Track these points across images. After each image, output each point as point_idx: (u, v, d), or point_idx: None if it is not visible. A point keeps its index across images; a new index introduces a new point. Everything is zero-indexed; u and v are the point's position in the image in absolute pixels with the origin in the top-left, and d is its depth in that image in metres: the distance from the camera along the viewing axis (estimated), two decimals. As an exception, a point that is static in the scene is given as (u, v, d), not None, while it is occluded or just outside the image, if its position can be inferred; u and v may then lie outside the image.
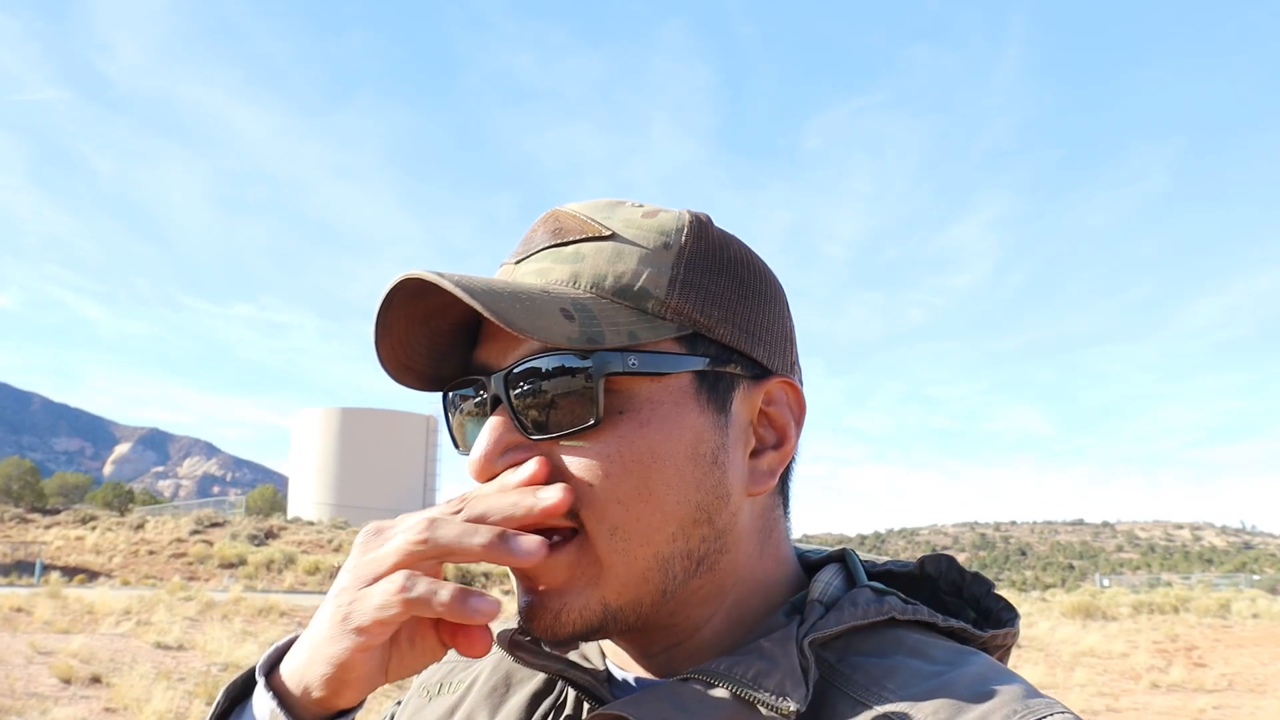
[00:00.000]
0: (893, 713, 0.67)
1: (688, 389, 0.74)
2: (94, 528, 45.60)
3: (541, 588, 0.73)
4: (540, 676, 0.86)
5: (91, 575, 33.85)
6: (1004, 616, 0.81)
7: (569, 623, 0.73)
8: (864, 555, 0.87)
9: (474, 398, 0.78)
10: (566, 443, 0.72)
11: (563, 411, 0.72)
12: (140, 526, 45.70)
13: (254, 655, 12.76)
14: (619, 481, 0.71)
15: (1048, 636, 19.61)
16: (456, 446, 0.81)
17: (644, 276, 0.74)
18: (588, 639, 0.75)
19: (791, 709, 0.67)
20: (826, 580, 0.78)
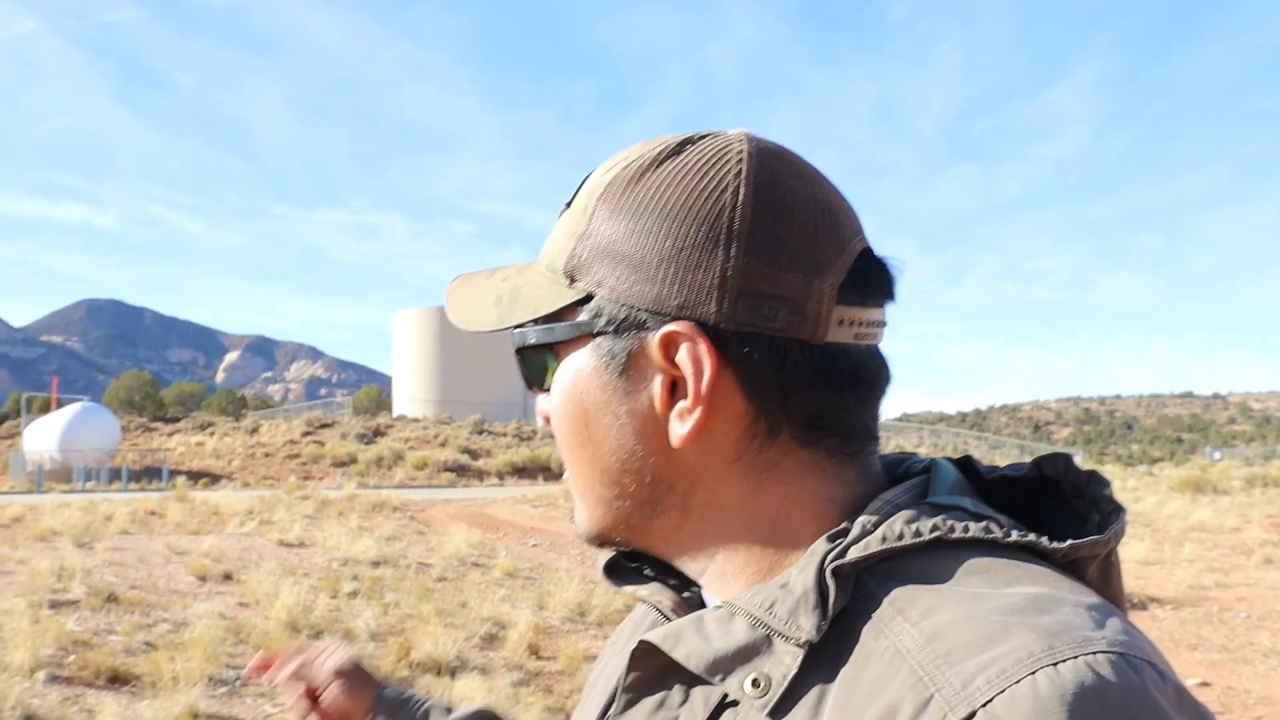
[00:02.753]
0: (902, 647, 0.61)
1: (588, 352, 0.76)
2: (212, 433, 47.57)
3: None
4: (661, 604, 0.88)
5: (214, 478, 35.42)
6: (1111, 519, 0.72)
7: (581, 532, 0.83)
8: (985, 461, 0.81)
9: None
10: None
11: (525, 373, 0.84)
12: (255, 430, 47.50)
13: (371, 550, 13.36)
14: (557, 434, 0.81)
15: (1155, 512, 19.35)
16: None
17: (559, 244, 0.79)
18: (595, 547, 0.84)
19: (802, 639, 0.65)
20: (887, 499, 0.73)
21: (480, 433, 46.16)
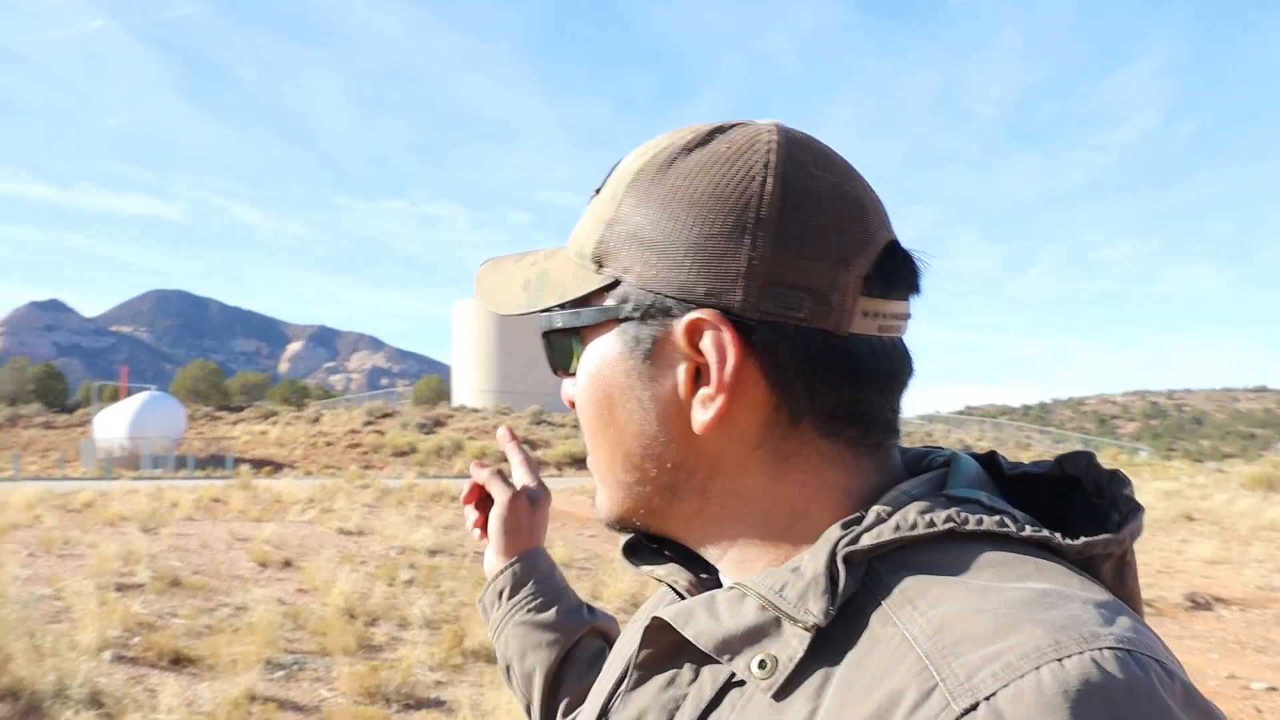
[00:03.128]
0: (910, 635, 0.62)
1: (612, 338, 0.78)
2: (275, 422, 48.37)
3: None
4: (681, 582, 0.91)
5: (276, 467, 36.06)
6: (1128, 519, 0.72)
7: (603, 516, 0.85)
8: (1010, 458, 0.82)
9: None
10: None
11: (550, 357, 0.85)
12: (317, 420, 48.19)
13: (428, 539, 13.55)
14: (581, 418, 0.83)
15: (1224, 510, 18.91)
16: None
17: (588, 230, 0.79)
18: (614, 529, 0.86)
19: (810, 622, 0.66)
20: (904, 489, 0.73)
21: (539, 423, 46.41)
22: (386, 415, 48.76)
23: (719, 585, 0.84)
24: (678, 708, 0.75)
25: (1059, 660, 0.54)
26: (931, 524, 0.68)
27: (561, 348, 0.83)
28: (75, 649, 6.93)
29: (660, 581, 0.90)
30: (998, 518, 0.69)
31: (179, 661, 7.01)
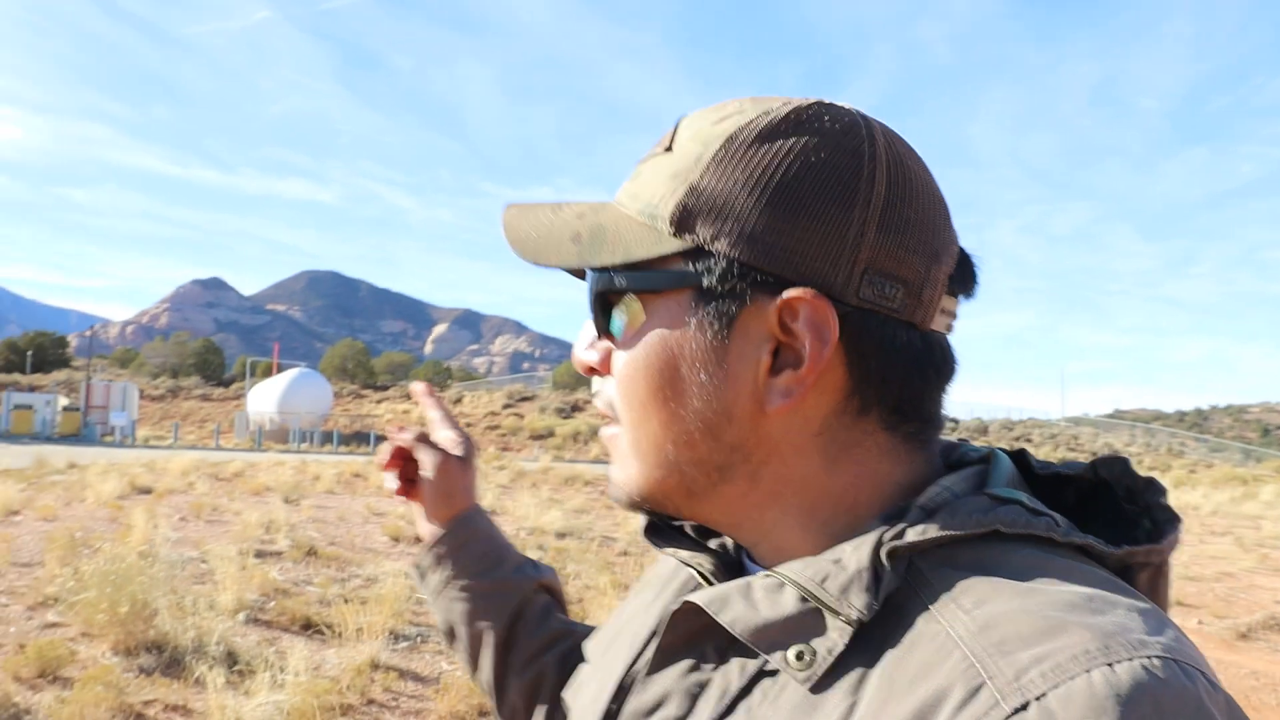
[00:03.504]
0: (954, 633, 0.61)
1: (684, 305, 0.74)
2: (417, 402, 49.69)
3: (609, 459, 0.83)
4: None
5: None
6: (1165, 529, 0.72)
7: (621, 494, 0.81)
8: (1039, 456, 0.81)
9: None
10: (612, 344, 0.80)
11: (597, 316, 0.80)
12: (458, 401, 49.42)
13: (558, 521, 13.76)
14: (627, 388, 0.77)
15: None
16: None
17: (660, 193, 0.75)
18: (635, 512, 0.83)
19: (853, 616, 0.65)
20: (946, 485, 0.73)
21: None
22: (526, 399, 49.67)
23: (742, 569, 0.83)
24: (701, 693, 0.74)
25: (1109, 665, 0.54)
26: (978, 524, 0.68)
27: (609, 311, 0.78)
28: (214, 609, 7.28)
29: (686, 565, 0.86)
30: (1043, 520, 0.68)
31: (309, 627, 7.28)
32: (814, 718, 0.65)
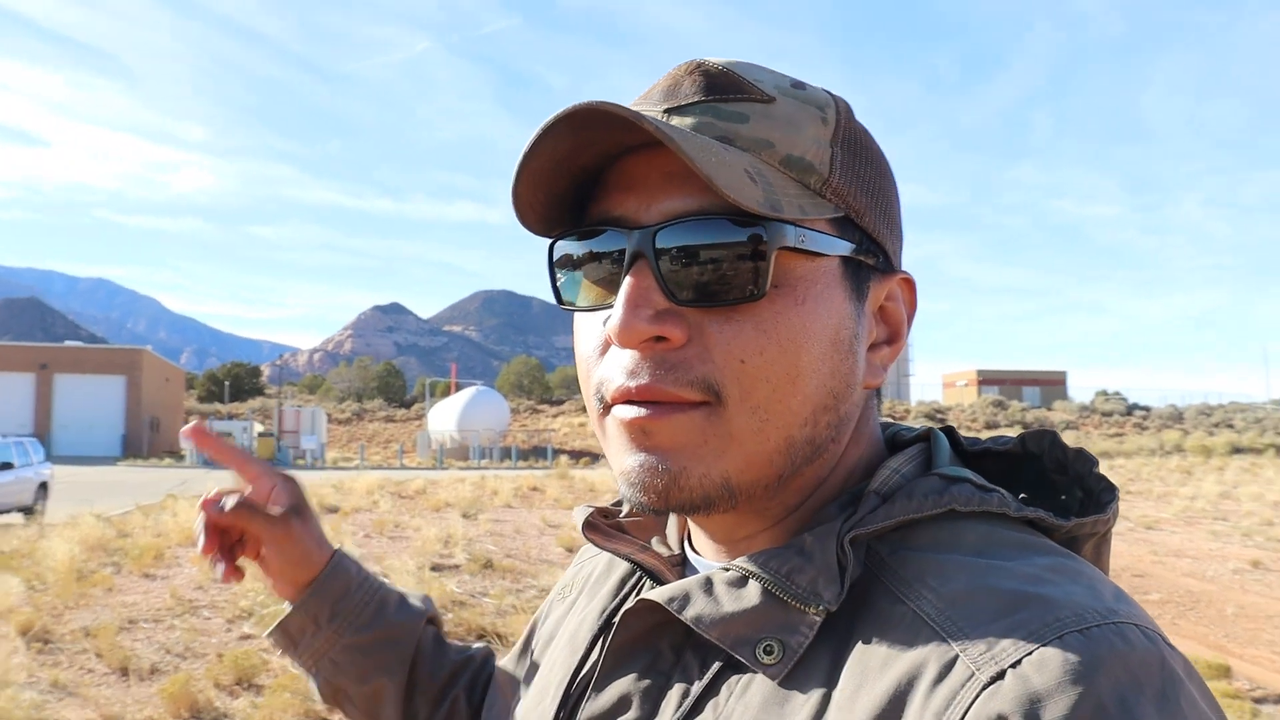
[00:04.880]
0: (922, 611, 0.63)
1: (836, 272, 0.72)
2: (559, 414, 50.50)
3: (660, 444, 0.69)
4: (626, 565, 0.89)
5: (594, 458, 37.76)
6: (1103, 499, 0.75)
7: (686, 488, 0.69)
8: (965, 435, 0.84)
9: (601, 250, 0.73)
10: (719, 313, 0.69)
11: (722, 279, 0.68)
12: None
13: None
14: (772, 359, 0.68)
15: None
16: (559, 300, 0.77)
17: (809, 150, 0.71)
18: (699, 511, 0.71)
19: (820, 609, 0.66)
20: (895, 467, 0.75)
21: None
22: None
23: (687, 566, 0.83)
24: (662, 693, 0.73)
25: (1079, 631, 0.57)
26: (934, 504, 0.70)
27: (753, 270, 0.68)
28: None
29: (631, 562, 0.84)
30: (994, 496, 0.71)
31: (484, 638, 7.52)
32: (786, 711, 0.65)
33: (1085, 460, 0.78)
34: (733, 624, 0.68)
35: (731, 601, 0.69)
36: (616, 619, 0.77)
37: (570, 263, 0.76)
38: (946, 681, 0.58)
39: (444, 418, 50.88)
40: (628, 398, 0.70)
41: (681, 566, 0.83)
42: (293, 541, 1.03)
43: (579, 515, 0.88)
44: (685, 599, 0.70)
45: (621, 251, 0.71)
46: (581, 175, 0.74)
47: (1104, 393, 79.03)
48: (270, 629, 1.09)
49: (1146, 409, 73.09)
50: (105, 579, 9.18)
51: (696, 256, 0.68)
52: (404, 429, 62.54)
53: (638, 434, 0.70)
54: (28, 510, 20.18)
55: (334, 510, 16.00)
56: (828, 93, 0.76)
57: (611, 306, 0.71)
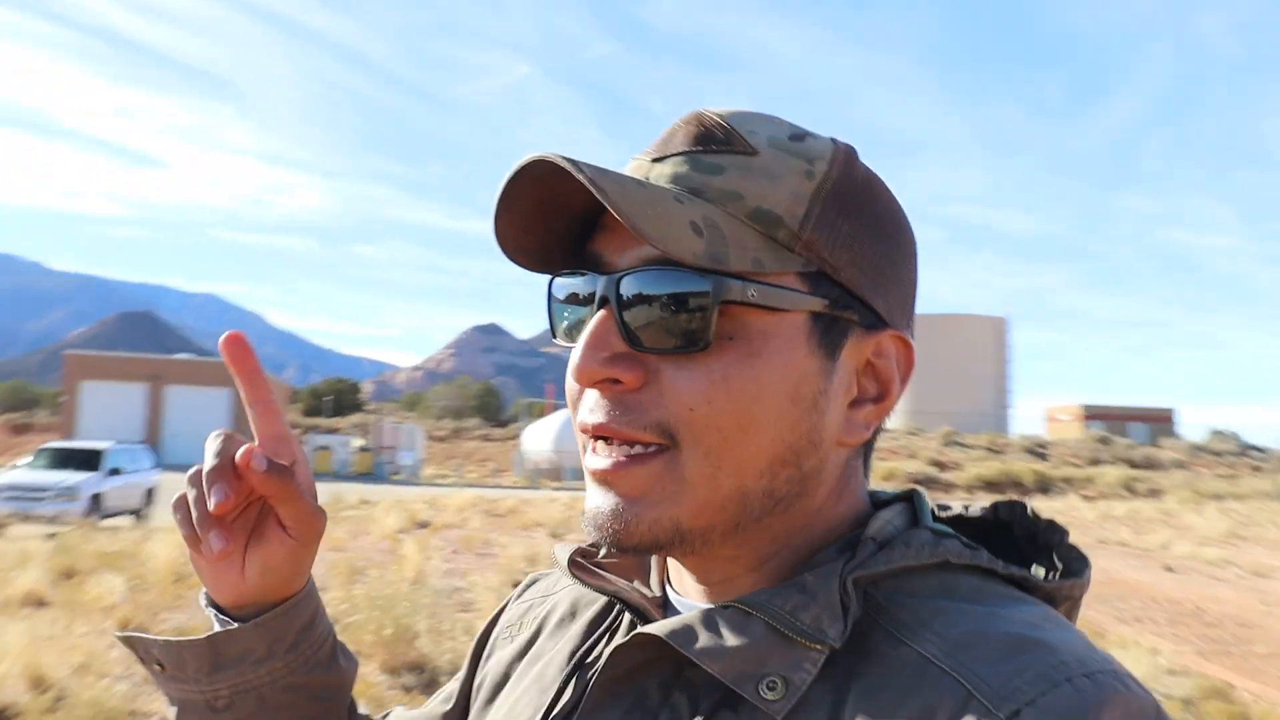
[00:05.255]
0: (927, 653, 0.65)
1: (801, 328, 0.72)
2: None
3: (618, 493, 0.73)
4: (600, 602, 0.90)
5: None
6: (1075, 567, 0.78)
7: (637, 533, 0.72)
8: (931, 502, 0.85)
9: (580, 290, 0.77)
10: (672, 359, 0.71)
11: (672, 328, 0.70)
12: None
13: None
14: (721, 408, 0.70)
15: None
16: (554, 334, 0.81)
17: (780, 203, 0.71)
18: (649, 553, 0.75)
19: (826, 644, 0.68)
20: (886, 519, 0.77)
21: (950, 444, 45.21)
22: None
23: (667, 603, 0.84)
24: None
25: (1085, 676, 0.61)
26: (930, 554, 0.73)
27: (700, 320, 0.70)
28: (470, 634, 7.77)
29: (619, 600, 0.84)
30: (982, 554, 0.75)
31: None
32: None
33: (1056, 531, 0.81)
34: (735, 659, 0.69)
35: (734, 636, 0.70)
36: (603, 655, 0.78)
37: (561, 300, 0.79)
38: (965, 717, 0.61)
39: (539, 438, 51.20)
40: (587, 433, 0.74)
41: (664, 608, 0.83)
42: (308, 542, 0.88)
43: (562, 553, 0.89)
44: (687, 633, 0.71)
45: (594, 289, 0.74)
46: (582, 214, 0.77)
47: (1219, 432, 76.30)
48: (170, 640, 0.89)
49: (1262, 449, 70.36)
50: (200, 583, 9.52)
51: (652, 304, 0.70)
52: (501, 448, 63.20)
53: (601, 483, 0.74)
54: (135, 513, 21.00)
55: (425, 525, 16.34)
56: (833, 144, 0.76)
57: None
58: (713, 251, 0.69)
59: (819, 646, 0.68)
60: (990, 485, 35.07)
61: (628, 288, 0.71)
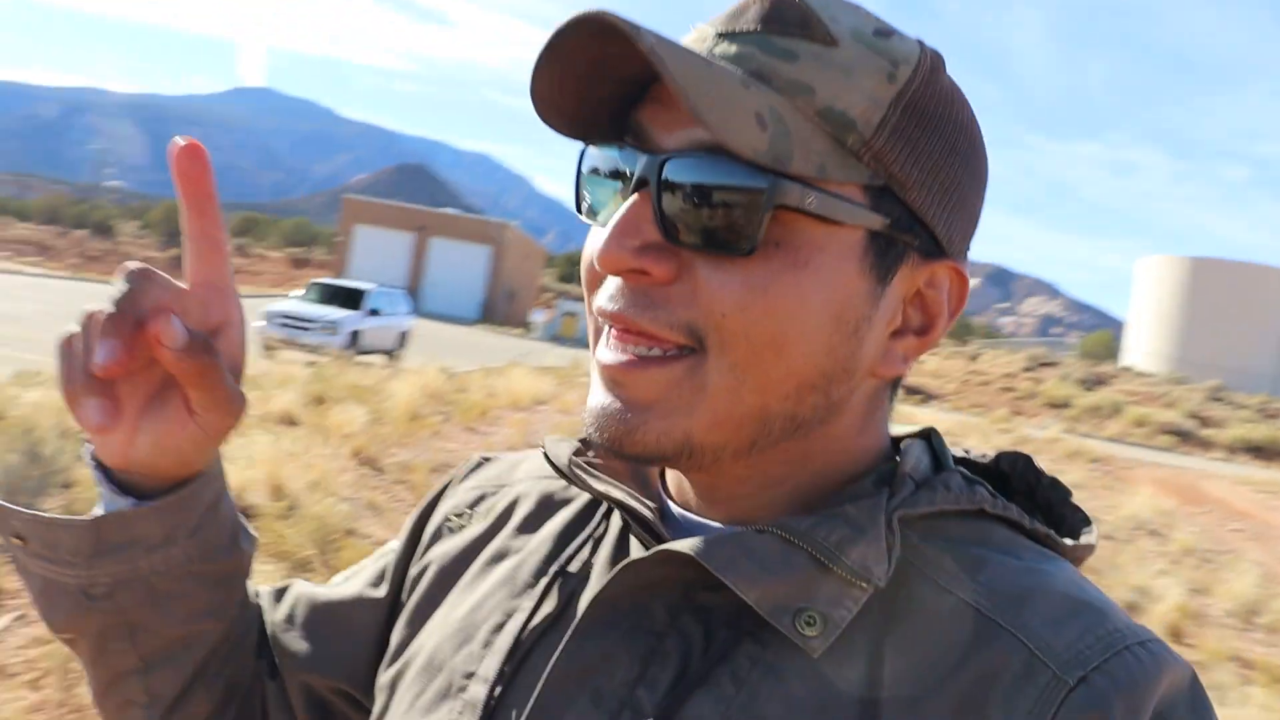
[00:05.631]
0: (978, 605, 0.65)
1: (856, 245, 0.66)
2: (934, 353, 49.43)
3: (628, 396, 0.67)
4: (577, 504, 0.84)
5: (927, 396, 37.10)
6: (1078, 528, 0.76)
7: (642, 442, 0.66)
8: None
9: (618, 165, 0.69)
10: (711, 258, 0.65)
11: (716, 224, 0.63)
12: (975, 357, 48.36)
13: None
14: (756, 319, 0.64)
15: None
16: (579, 208, 0.74)
17: (855, 105, 0.64)
18: (651, 463, 0.71)
19: (872, 583, 0.65)
20: (916, 456, 0.74)
21: (1216, 399, 42.27)
22: (1047, 364, 47.48)
23: (668, 517, 0.77)
24: (654, 655, 0.68)
25: (1140, 643, 0.63)
26: (969, 500, 0.71)
27: (752, 219, 0.63)
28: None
29: (623, 508, 0.75)
30: (1013, 506, 0.73)
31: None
32: (831, 689, 0.64)
33: (1058, 489, 0.79)
34: (775, 588, 0.65)
35: (774, 564, 0.65)
36: (593, 566, 0.77)
37: (592, 173, 0.72)
38: (1032, 681, 0.61)
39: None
40: (605, 318, 0.68)
41: (664, 521, 0.76)
42: (217, 435, 0.75)
43: (561, 449, 0.81)
44: (721, 555, 0.65)
45: (630, 172, 0.67)
46: (631, 80, 0.68)
47: None
48: (40, 515, 0.76)
49: None
50: (433, 425, 10.15)
51: (698, 195, 0.64)
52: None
53: (610, 381, 0.68)
54: (388, 353, 22.40)
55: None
56: (920, 47, 0.69)
57: None
58: (776, 149, 0.62)
59: (864, 585, 0.65)
60: (1256, 450, 32.66)
61: (673, 172, 0.64)
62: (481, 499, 0.92)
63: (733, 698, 0.65)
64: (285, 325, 19.83)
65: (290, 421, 9.37)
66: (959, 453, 0.82)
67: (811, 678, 0.64)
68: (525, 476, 0.91)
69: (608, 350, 0.68)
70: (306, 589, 0.97)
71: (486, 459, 0.98)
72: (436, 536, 0.91)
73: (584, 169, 0.73)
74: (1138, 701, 0.60)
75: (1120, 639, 0.62)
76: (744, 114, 0.62)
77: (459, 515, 0.91)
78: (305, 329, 19.78)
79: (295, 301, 21.55)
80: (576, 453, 0.80)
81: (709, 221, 0.63)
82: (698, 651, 0.67)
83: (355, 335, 20.69)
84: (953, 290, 0.72)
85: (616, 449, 0.67)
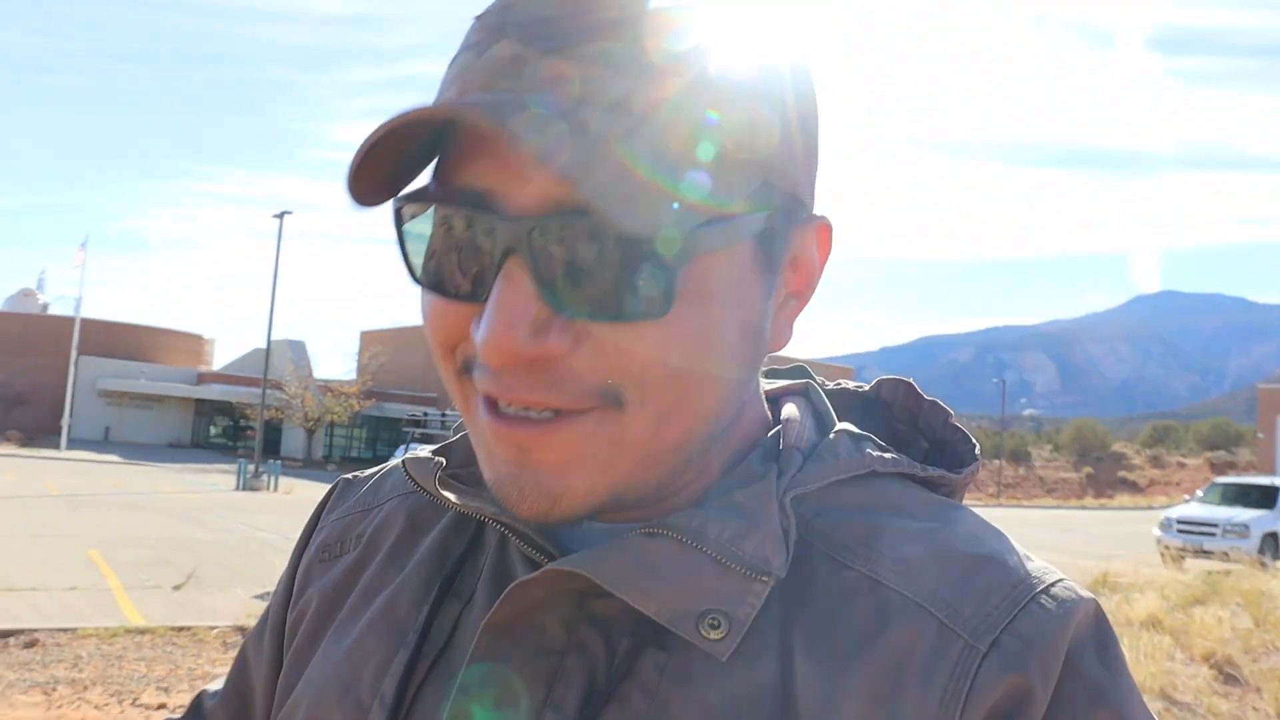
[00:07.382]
0: (879, 577, 0.63)
1: (749, 254, 0.61)
2: None
3: (540, 460, 0.60)
4: (444, 520, 0.79)
5: None
6: (961, 449, 0.75)
7: (569, 505, 0.60)
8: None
9: (463, 230, 0.58)
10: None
11: (611, 288, 0.56)
12: None
13: None
14: (679, 369, 0.58)
15: None
16: (412, 275, 0.62)
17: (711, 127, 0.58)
18: (575, 524, 0.64)
19: (772, 575, 0.62)
20: (800, 422, 0.71)
21: None
22: None
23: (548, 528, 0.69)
24: (556, 677, 0.64)
25: (1043, 591, 0.62)
26: (859, 465, 0.70)
27: (665, 278, 0.56)
28: None
29: (498, 523, 0.70)
30: (903, 458, 0.73)
31: None
32: (742, 690, 0.61)
33: (939, 412, 0.78)
34: (673, 597, 0.61)
35: (668, 569, 0.62)
36: (475, 586, 0.73)
37: (425, 236, 0.61)
38: (944, 652, 0.59)
39: None
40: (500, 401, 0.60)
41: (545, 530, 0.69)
42: None
43: (426, 470, 0.74)
44: (612, 567, 0.62)
45: (489, 234, 0.57)
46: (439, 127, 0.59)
47: None
48: None
49: None
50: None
51: (586, 260, 0.55)
52: None
53: (515, 448, 0.60)
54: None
55: None
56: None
57: (478, 299, 0.58)
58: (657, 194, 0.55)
59: (765, 578, 0.62)
60: None
61: (548, 238, 0.56)
62: (348, 528, 0.85)
63: (644, 713, 0.62)
64: (1184, 531, 18.98)
65: (1154, 624, 8.97)
66: (835, 388, 0.82)
67: (724, 680, 0.61)
68: (391, 494, 0.85)
69: (497, 417, 0.60)
70: (209, 690, 0.95)
71: (348, 480, 0.91)
72: (309, 575, 0.85)
73: (406, 230, 0.62)
74: (1051, 655, 0.59)
75: (1025, 590, 0.61)
76: (611, 166, 0.53)
77: (325, 549, 0.85)
78: (1208, 534, 18.68)
79: (1196, 505, 20.56)
80: (439, 464, 0.75)
81: (601, 286, 0.56)
82: (602, 665, 0.64)
83: (1273, 537, 18.86)
84: (820, 243, 0.68)
85: (543, 519, 0.61)
